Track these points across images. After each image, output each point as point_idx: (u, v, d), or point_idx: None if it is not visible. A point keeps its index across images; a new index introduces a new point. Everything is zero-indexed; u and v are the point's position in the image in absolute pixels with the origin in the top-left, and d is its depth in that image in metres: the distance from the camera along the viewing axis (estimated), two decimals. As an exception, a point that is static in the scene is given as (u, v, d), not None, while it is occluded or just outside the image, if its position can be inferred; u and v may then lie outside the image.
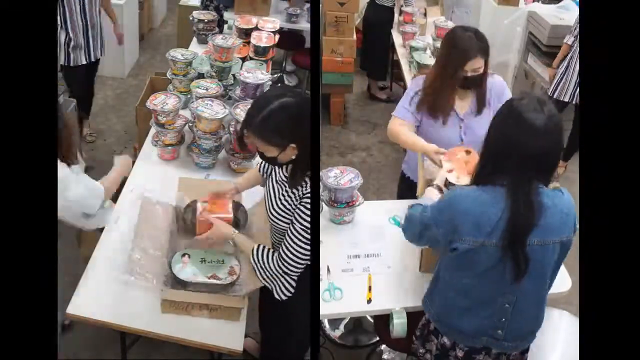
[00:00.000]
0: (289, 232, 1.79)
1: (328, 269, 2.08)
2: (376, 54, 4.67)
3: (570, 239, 1.62)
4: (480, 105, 2.28)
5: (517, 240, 1.54)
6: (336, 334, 2.82)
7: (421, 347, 1.86)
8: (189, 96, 2.88)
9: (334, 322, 2.84)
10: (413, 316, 1.95)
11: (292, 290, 1.91)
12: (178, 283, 1.92)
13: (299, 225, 1.77)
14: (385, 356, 2.68)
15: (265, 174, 2.11)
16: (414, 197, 2.25)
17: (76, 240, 2.32)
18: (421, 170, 2.24)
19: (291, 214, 1.80)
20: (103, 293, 1.92)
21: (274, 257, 1.83)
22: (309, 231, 1.75)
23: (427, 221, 1.68)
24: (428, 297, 1.83)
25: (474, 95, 2.27)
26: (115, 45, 4.53)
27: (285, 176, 1.83)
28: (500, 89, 2.33)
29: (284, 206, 1.82)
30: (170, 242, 2.05)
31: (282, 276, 1.86)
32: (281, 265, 1.81)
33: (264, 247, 1.87)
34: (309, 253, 1.79)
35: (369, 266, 2.11)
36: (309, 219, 1.75)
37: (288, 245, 1.79)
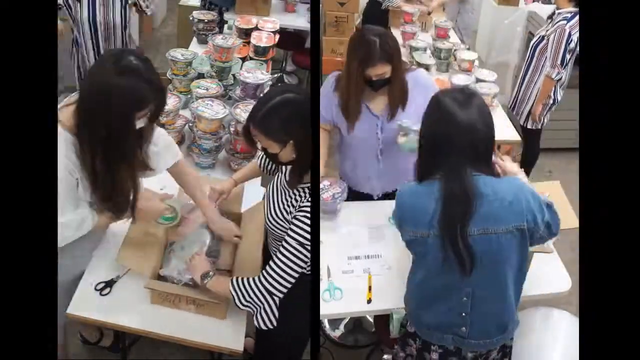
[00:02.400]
0: (281, 246, 1.74)
1: (328, 271, 2.08)
2: None
3: (524, 227, 1.57)
4: (393, 106, 2.25)
5: (454, 230, 1.55)
6: (336, 334, 2.82)
7: (401, 351, 1.87)
8: (189, 96, 2.88)
9: (334, 322, 2.84)
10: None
11: (275, 319, 1.81)
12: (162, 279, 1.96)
13: (291, 240, 1.71)
14: (385, 356, 2.68)
15: (265, 170, 2.11)
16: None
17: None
18: None
19: (288, 223, 1.77)
20: (103, 293, 1.92)
21: (257, 279, 1.75)
22: (302, 245, 1.70)
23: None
24: (405, 295, 1.84)
25: (390, 97, 2.25)
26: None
27: (286, 180, 1.82)
28: (425, 82, 2.31)
29: (282, 213, 1.81)
30: (164, 238, 2.07)
31: (265, 297, 1.75)
32: (265, 283, 1.73)
33: (240, 277, 1.79)
34: (299, 269, 1.73)
35: (369, 267, 2.11)
36: (300, 238, 1.69)
37: (278, 260, 1.73)
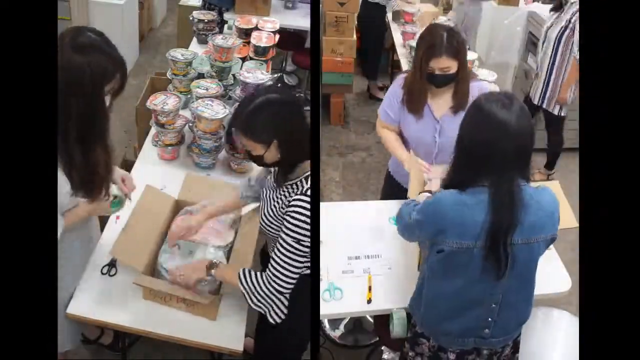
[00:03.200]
0: (277, 245, 1.75)
1: (328, 271, 2.08)
2: (369, 52, 4.66)
3: (555, 237, 1.63)
4: (456, 107, 2.24)
5: (500, 241, 1.53)
6: (336, 334, 2.82)
7: (411, 351, 1.85)
8: (189, 96, 2.88)
9: (334, 322, 2.84)
10: (410, 316, 1.95)
11: (286, 312, 1.85)
12: (159, 272, 1.95)
13: (286, 237, 1.71)
14: (385, 356, 2.68)
15: (248, 198, 2.09)
16: (398, 197, 2.27)
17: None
18: (413, 172, 2.24)
19: (280, 222, 1.78)
20: (103, 293, 1.92)
21: (264, 277, 1.75)
22: (298, 241, 1.70)
23: (413, 223, 1.69)
24: (414, 301, 1.82)
25: (453, 97, 2.25)
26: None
27: (274, 180, 1.83)
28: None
29: (273, 211, 1.81)
30: (162, 235, 2.07)
31: (275, 296, 1.79)
32: (272, 284, 1.74)
33: (249, 270, 1.80)
34: (300, 265, 1.73)
35: (369, 267, 2.11)
36: (294, 234, 1.69)
37: (277, 260, 1.73)
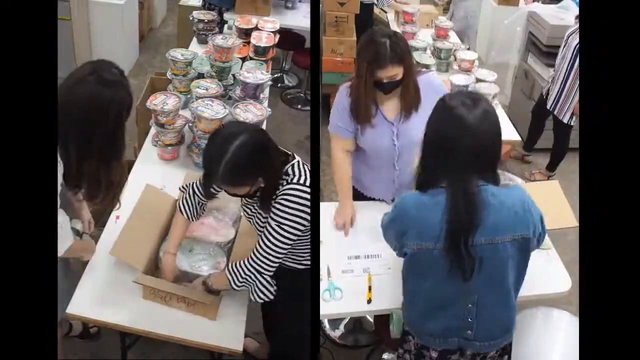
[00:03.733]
0: (265, 229, 1.80)
1: (328, 270, 2.08)
2: None
3: (527, 237, 1.58)
4: (407, 109, 2.18)
5: (460, 241, 1.52)
6: (336, 334, 2.82)
7: (400, 348, 1.88)
8: (189, 96, 2.88)
9: (334, 322, 2.84)
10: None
11: (272, 293, 1.89)
12: (159, 268, 1.97)
13: (273, 222, 1.77)
14: (385, 356, 2.68)
15: (194, 215, 2.04)
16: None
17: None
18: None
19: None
20: (103, 293, 1.92)
21: (247, 259, 1.83)
22: (284, 227, 1.76)
23: (383, 227, 1.73)
24: (403, 300, 1.82)
25: (401, 100, 2.18)
26: (115, 45, 4.54)
27: (258, 206, 1.86)
28: (438, 86, 2.24)
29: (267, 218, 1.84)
30: (162, 234, 2.08)
31: (255, 275, 1.84)
32: (252, 264, 1.81)
33: (233, 262, 1.87)
34: (282, 250, 1.79)
35: (369, 267, 2.11)
36: (279, 218, 1.75)
37: (262, 242, 1.80)
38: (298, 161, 1.82)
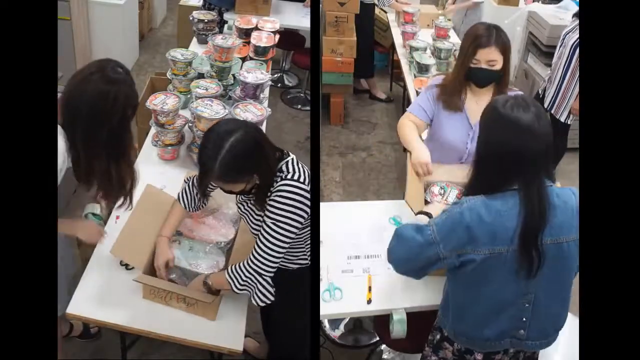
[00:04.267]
0: (261, 229, 1.80)
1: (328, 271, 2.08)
2: (360, 52, 4.64)
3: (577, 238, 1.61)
4: None
5: (532, 243, 1.53)
6: (336, 334, 2.82)
7: (433, 355, 1.83)
8: (189, 96, 2.88)
9: (334, 322, 2.84)
10: (413, 316, 1.95)
11: (272, 295, 1.88)
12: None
13: (269, 220, 1.76)
14: (385, 356, 2.68)
15: (192, 206, 2.06)
16: None
17: (76, 240, 2.32)
18: (414, 176, 2.22)
19: None
20: (103, 293, 1.92)
21: (246, 262, 1.82)
22: (279, 225, 1.75)
23: (430, 239, 1.59)
24: (443, 309, 1.79)
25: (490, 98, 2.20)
26: (115, 45, 4.52)
27: (252, 204, 1.86)
28: None
29: (259, 223, 1.84)
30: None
31: (256, 278, 1.82)
32: (252, 266, 1.80)
33: (233, 264, 1.86)
34: (280, 249, 1.78)
35: (369, 267, 2.11)
36: (278, 211, 1.74)
37: (259, 243, 1.79)
38: (292, 158, 1.82)
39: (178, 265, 1.99)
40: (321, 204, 2.20)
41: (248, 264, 1.81)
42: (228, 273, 1.84)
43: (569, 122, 3.74)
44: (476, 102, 2.24)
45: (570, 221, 1.57)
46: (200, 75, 3.03)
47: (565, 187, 1.63)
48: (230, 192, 1.80)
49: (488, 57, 2.13)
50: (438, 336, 1.81)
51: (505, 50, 2.14)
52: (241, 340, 1.86)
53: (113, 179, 1.80)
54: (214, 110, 2.51)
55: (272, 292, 1.88)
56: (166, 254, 1.97)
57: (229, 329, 1.88)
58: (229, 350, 1.84)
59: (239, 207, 1.95)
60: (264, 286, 1.86)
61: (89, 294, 1.91)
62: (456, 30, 4.40)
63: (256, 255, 1.80)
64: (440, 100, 2.28)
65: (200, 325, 1.88)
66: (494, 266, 1.57)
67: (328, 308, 1.96)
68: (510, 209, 1.53)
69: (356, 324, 2.84)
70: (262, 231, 1.79)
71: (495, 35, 2.12)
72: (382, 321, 2.17)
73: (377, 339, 2.69)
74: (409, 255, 1.66)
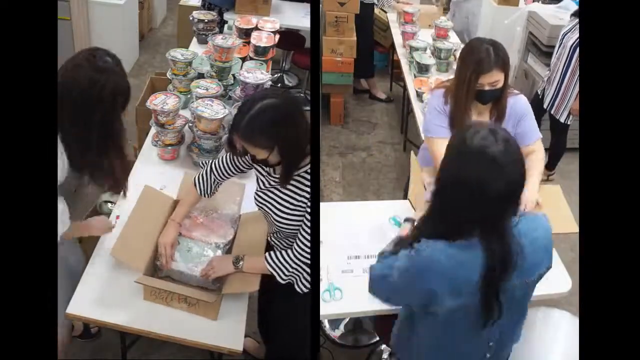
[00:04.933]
0: (304, 219, 1.82)
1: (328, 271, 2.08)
2: (359, 52, 4.65)
3: (550, 266, 1.53)
4: (497, 121, 2.20)
5: (496, 292, 1.41)
6: (336, 334, 2.82)
7: None
8: (189, 96, 2.88)
9: (334, 322, 2.84)
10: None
11: (309, 282, 1.91)
12: (158, 269, 1.97)
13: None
14: (385, 356, 2.68)
15: (207, 191, 2.08)
16: None
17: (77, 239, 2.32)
18: (416, 171, 2.22)
19: (297, 215, 1.83)
20: (103, 293, 1.92)
21: (291, 253, 1.84)
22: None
23: (395, 286, 1.49)
24: (398, 343, 1.74)
25: (493, 111, 2.22)
26: (115, 45, 4.51)
27: (275, 181, 1.85)
28: (521, 110, 2.25)
29: (288, 209, 1.84)
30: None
31: (302, 267, 1.86)
32: (301, 257, 1.83)
33: (273, 252, 1.89)
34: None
35: (369, 267, 2.10)
36: None
37: (305, 233, 1.81)
38: None
39: (175, 268, 1.99)
40: (321, 204, 2.20)
41: (294, 254, 1.83)
42: (270, 264, 1.86)
43: (568, 123, 3.74)
44: (479, 113, 2.24)
45: (538, 259, 1.47)
46: (200, 75, 3.03)
47: (532, 215, 1.51)
48: (254, 160, 1.80)
49: (491, 80, 2.10)
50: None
51: (505, 68, 2.11)
52: (241, 340, 1.86)
53: (104, 169, 1.82)
54: (214, 110, 2.51)
55: (309, 279, 1.91)
56: (172, 236, 2.01)
57: (229, 329, 1.88)
58: (229, 350, 1.84)
59: (259, 197, 1.93)
60: (306, 272, 1.89)
61: (89, 294, 1.91)
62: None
63: (303, 247, 1.81)
64: (450, 120, 2.24)
65: (201, 325, 1.88)
66: (458, 318, 1.46)
67: (328, 308, 1.96)
68: (473, 260, 1.37)
69: (356, 324, 2.84)
70: (307, 220, 1.80)
71: (494, 57, 2.08)
72: (382, 321, 2.17)
73: (377, 339, 2.69)
74: (387, 296, 1.60)
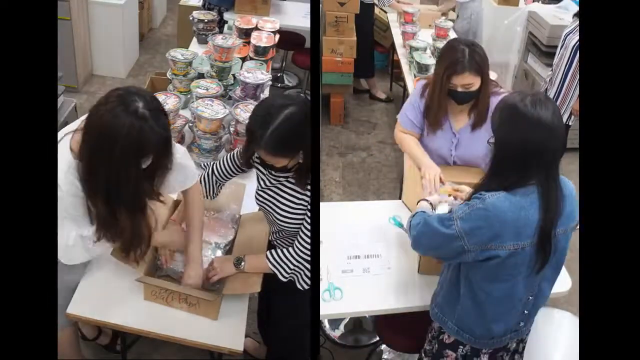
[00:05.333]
0: (305, 217, 1.82)
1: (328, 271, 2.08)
2: (360, 52, 4.65)
3: (577, 222, 1.64)
4: (474, 123, 2.20)
5: (547, 236, 1.56)
6: (336, 334, 2.82)
7: (447, 357, 1.80)
8: (189, 96, 2.88)
9: (334, 322, 2.84)
10: (413, 316, 1.95)
11: (309, 279, 1.92)
12: (158, 268, 1.97)
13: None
14: (385, 356, 2.68)
15: (211, 193, 2.09)
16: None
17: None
18: (411, 176, 2.21)
19: (299, 214, 1.83)
20: (103, 293, 1.92)
21: (293, 250, 1.85)
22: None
23: (454, 233, 1.58)
24: (443, 308, 1.77)
25: (471, 113, 2.20)
26: (115, 45, 4.53)
27: (292, 183, 1.84)
28: None
29: (291, 208, 1.84)
30: None
31: (304, 265, 1.87)
32: (302, 254, 1.84)
33: (274, 250, 1.89)
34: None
35: (369, 267, 2.11)
36: None
37: (307, 233, 1.81)
38: None
39: (177, 270, 1.98)
40: (321, 204, 2.20)
41: (296, 252, 1.84)
42: (272, 262, 1.87)
43: (570, 123, 3.74)
44: (460, 111, 2.22)
45: (574, 210, 1.62)
46: (200, 75, 3.03)
47: (562, 176, 1.65)
48: (272, 168, 1.78)
49: (463, 82, 2.08)
50: (437, 345, 1.80)
51: (481, 72, 2.08)
52: (241, 340, 1.86)
53: (111, 223, 1.66)
54: (214, 110, 2.51)
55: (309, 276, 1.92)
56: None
57: (229, 329, 1.88)
58: (229, 351, 1.84)
59: (260, 196, 1.93)
60: (307, 269, 1.89)
61: (89, 294, 1.91)
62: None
63: (305, 245, 1.82)
64: (424, 116, 2.26)
65: (201, 325, 1.88)
66: (517, 262, 1.57)
67: (328, 308, 1.96)
68: (532, 204, 1.54)
69: (356, 324, 2.84)
70: (308, 218, 1.81)
71: (468, 59, 2.05)
72: (382, 321, 2.18)
73: (377, 339, 2.69)
74: (434, 245, 1.68)
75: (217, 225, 2.13)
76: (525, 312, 1.70)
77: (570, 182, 1.67)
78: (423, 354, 1.90)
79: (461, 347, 1.75)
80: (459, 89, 2.10)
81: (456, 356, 1.76)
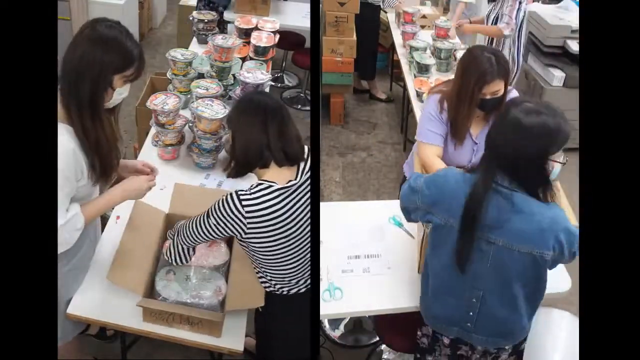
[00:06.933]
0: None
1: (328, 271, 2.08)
2: (362, 53, 4.64)
3: (545, 257, 1.60)
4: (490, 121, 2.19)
5: (470, 228, 1.60)
6: (336, 334, 2.82)
7: (418, 330, 1.95)
8: (189, 96, 2.88)
9: (334, 322, 2.84)
10: (413, 316, 1.95)
11: (184, 261, 1.95)
12: (160, 300, 1.90)
13: (209, 209, 1.78)
14: (385, 356, 2.68)
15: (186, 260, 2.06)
16: None
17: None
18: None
19: None
20: (103, 293, 1.92)
21: (183, 224, 1.90)
22: (203, 220, 1.79)
23: (416, 186, 1.75)
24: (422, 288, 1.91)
25: (488, 117, 2.20)
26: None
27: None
28: None
29: None
30: (157, 253, 2.02)
31: (177, 242, 1.93)
32: (178, 234, 1.91)
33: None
34: (195, 238, 1.84)
35: (369, 267, 2.11)
36: (214, 210, 1.76)
37: (191, 220, 1.85)
38: (270, 185, 1.76)
39: (180, 300, 1.90)
40: (321, 204, 2.20)
41: (180, 230, 1.89)
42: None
43: None
44: (476, 116, 2.21)
45: (528, 232, 1.58)
46: (200, 75, 3.03)
47: (547, 204, 1.62)
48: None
49: (493, 90, 2.09)
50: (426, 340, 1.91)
51: (506, 75, 2.10)
52: (241, 340, 1.86)
53: (102, 139, 1.72)
54: (215, 110, 2.51)
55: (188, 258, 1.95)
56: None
57: (229, 329, 1.88)
58: (229, 350, 1.84)
59: None
60: (181, 250, 1.93)
61: (90, 294, 1.91)
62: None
63: (184, 228, 1.87)
64: (450, 133, 2.24)
65: (201, 325, 1.88)
66: (447, 239, 1.67)
67: (328, 308, 1.96)
68: (466, 183, 1.62)
69: (356, 324, 2.84)
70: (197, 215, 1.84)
71: (497, 67, 2.05)
72: (382, 321, 2.18)
73: (377, 339, 2.69)
74: (403, 194, 1.83)
75: (210, 247, 2.07)
76: (471, 313, 1.73)
77: (556, 214, 1.61)
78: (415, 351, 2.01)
79: (424, 327, 1.90)
80: (488, 97, 2.10)
81: (422, 334, 1.92)
